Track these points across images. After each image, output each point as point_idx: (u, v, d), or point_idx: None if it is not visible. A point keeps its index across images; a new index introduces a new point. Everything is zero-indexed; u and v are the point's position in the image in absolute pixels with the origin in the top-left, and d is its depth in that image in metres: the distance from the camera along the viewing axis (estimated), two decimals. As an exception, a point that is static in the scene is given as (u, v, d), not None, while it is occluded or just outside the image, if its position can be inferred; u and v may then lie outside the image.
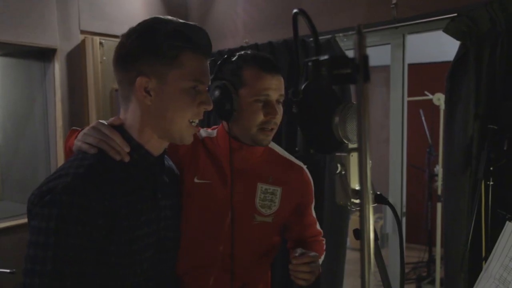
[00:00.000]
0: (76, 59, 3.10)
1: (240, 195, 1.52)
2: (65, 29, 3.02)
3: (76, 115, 3.13)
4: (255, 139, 1.50)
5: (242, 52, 1.52)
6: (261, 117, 1.47)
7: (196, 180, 1.52)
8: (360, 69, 0.62)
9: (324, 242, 1.77)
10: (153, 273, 1.24)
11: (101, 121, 1.23)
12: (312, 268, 1.46)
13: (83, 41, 3.10)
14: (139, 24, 1.18)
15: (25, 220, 2.85)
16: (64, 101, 3.06)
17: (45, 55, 3.03)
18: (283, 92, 1.50)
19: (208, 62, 1.25)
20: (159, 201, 1.26)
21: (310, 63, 0.67)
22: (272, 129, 1.50)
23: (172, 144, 1.44)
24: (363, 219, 0.69)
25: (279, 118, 1.50)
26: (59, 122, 3.03)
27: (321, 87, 1.13)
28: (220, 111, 1.47)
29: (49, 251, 1.00)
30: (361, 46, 0.62)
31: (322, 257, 1.72)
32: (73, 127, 1.35)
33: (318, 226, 1.77)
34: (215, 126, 1.63)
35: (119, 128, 1.20)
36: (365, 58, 0.62)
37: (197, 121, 1.24)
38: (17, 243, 2.82)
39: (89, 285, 1.07)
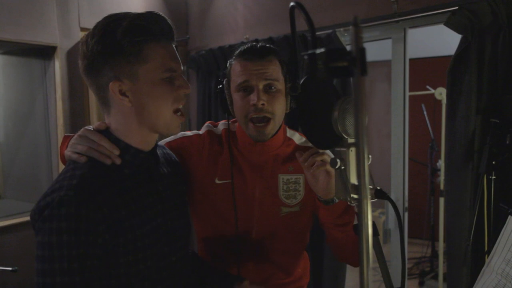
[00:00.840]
0: (77, 57, 3.06)
1: (262, 190, 1.50)
2: (65, 27, 3.01)
3: (76, 113, 3.13)
4: (250, 135, 1.47)
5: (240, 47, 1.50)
6: (245, 107, 1.43)
7: (217, 181, 1.51)
8: (357, 61, 0.61)
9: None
10: (166, 263, 1.24)
11: (87, 127, 1.22)
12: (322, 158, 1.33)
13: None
14: (95, 28, 1.12)
15: (26, 218, 2.86)
16: (65, 99, 3.06)
17: (45, 53, 3.03)
18: (274, 77, 1.42)
19: (174, 45, 1.22)
20: (161, 193, 1.25)
21: (306, 56, 0.66)
22: (265, 119, 1.42)
23: (185, 143, 1.51)
24: (361, 213, 0.69)
25: (268, 104, 1.41)
26: (60, 120, 3.02)
27: (320, 81, 1.12)
28: (223, 109, 1.50)
29: (56, 264, 1.02)
30: (357, 39, 0.61)
31: None
32: (66, 134, 1.35)
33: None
34: (234, 119, 1.58)
35: (106, 132, 1.19)
36: (361, 51, 0.61)
37: (181, 107, 1.21)
38: (19, 241, 2.83)
39: None
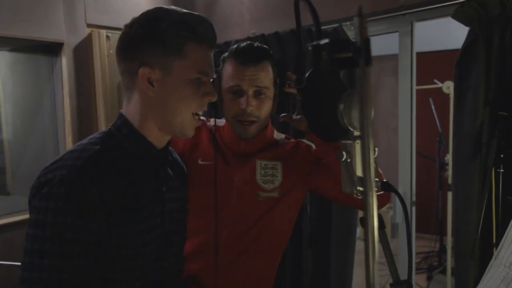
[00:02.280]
0: (83, 53, 3.10)
1: (241, 174, 1.56)
2: (71, 23, 3.02)
3: (84, 109, 3.14)
4: (236, 132, 1.56)
5: (236, 44, 1.53)
6: (234, 109, 1.51)
7: (200, 162, 1.57)
8: (361, 52, 0.61)
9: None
10: (158, 267, 1.21)
11: None
12: None
13: (90, 35, 3.10)
14: (143, 14, 1.15)
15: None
16: (72, 95, 3.07)
17: (52, 49, 3.04)
18: (264, 84, 1.49)
19: (213, 53, 1.24)
20: (164, 194, 1.24)
21: (310, 47, 0.65)
22: (251, 121, 1.51)
23: None
24: (367, 206, 0.68)
25: (256, 109, 1.49)
26: (67, 117, 3.04)
27: (326, 74, 1.12)
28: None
29: (46, 244, 0.99)
30: (362, 29, 0.61)
31: None
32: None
33: None
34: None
35: (125, 122, 1.18)
36: (366, 41, 0.61)
37: (201, 113, 1.22)
38: (28, 236, 2.85)
39: (88, 278, 1.04)
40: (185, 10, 1.15)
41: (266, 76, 1.50)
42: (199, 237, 1.57)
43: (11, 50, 3.22)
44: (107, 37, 3.10)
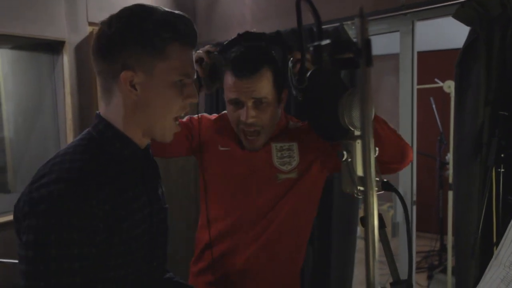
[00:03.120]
0: (85, 51, 3.10)
1: (257, 159, 1.59)
2: (73, 21, 3.02)
3: (85, 107, 3.14)
4: (244, 144, 1.60)
5: (233, 52, 1.51)
6: (236, 119, 1.54)
7: (220, 148, 1.64)
8: (362, 52, 0.61)
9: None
10: (148, 268, 1.20)
11: None
12: None
13: (91, 33, 3.10)
14: (122, 11, 1.10)
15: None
16: (74, 94, 3.08)
17: (53, 47, 3.04)
18: (263, 94, 1.48)
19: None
20: (150, 195, 1.20)
21: (312, 48, 0.66)
22: (255, 131, 1.52)
23: (202, 119, 1.67)
24: (367, 205, 0.69)
25: (257, 119, 1.50)
26: (69, 115, 3.04)
27: (327, 74, 1.12)
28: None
29: (52, 264, 0.94)
30: (363, 30, 0.61)
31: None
32: None
33: None
34: None
35: (107, 124, 1.13)
36: (367, 42, 0.61)
37: (182, 115, 1.20)
38: (30, 234, 2.85)
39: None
40: (165, 9, 1.11)
41: (264, 85, 1.48)
42: (220, 223, 1.62)
43: (13, 48, 3.22)
44: (109, 35, 3.09)
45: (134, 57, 1.06)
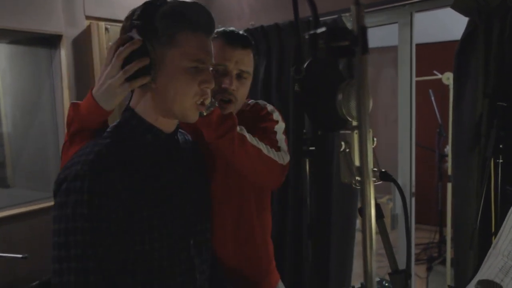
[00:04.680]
0: (82, 46, 3.09)
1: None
2: (70, 15, 3.01)
3: (83, 102, 3.13)
4: None
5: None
6: (215, 87, 1.51)
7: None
8: (358, 40, 0.61)
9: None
10: (182, 246, 1.26)
11: None
12: None
13: (89, 27, 3.09)
14: (139, 6, 1.17)
15: (35, 207, 2.90)
16: (72, 88, 3.07)
17: (51, 42, 3.03)
18: (247, 69, 1.55)
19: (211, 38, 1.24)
20: (181, 175, 1.29)
21: (307, 36, 0.65)
22: (230, 100, 1.52)
23: None
24: (364, 194, 0.69)
25: (236, 90, 1.52)
26: (67, 109, 3.03)
27: (324, 64, 1.12)
28: None
29: (70, 237, 1.05)
30: (359, 17, 0.61)
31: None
32: (72, 101, 1.33)
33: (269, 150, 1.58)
34: None
35: (131, 111, 1.23)
36: (363, 29, 0.61)
37: (207, 101, 1.24)
38: (28, 229, 2.86)
39: (112, 266, 1.11)
40: (179, 0, 1.17)
41: (249, 61, 1.57)
42: None
43: (10, 42, 3.22)
44: (106, 29, 3.08)
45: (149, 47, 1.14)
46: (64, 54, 3.00)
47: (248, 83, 1.58)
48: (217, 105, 1.38)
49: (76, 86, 3.10)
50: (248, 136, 1.45)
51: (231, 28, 1.59)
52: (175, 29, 1.14)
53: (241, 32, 1.60)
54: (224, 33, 1.55)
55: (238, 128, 1.42)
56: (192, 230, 1.30)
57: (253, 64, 1.60)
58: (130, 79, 1.15)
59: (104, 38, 3.09)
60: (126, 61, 1.14)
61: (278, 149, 1.56)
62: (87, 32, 3.09)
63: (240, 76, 1.55)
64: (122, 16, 1.22)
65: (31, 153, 3.33)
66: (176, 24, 1.14)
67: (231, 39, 1.54)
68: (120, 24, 1.23)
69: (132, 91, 1.24)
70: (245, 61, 1.55)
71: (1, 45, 3.18)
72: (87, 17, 3.09)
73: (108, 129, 1.23)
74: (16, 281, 2.79)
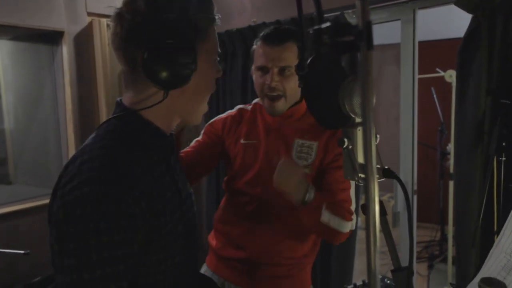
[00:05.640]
0: (84, 42, 3.09)
1: (278, 150, 1.74)
2: (72, 12, 3.00)
3: (85, 98, 3.13)
4: (267, 110, 1.75)
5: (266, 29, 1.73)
6: (261, 84, 1.69)
7: (242, 141, 1.80)
8: (363, 35, 0.60)
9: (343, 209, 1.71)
10: (185, 258, 1.16)
11: None
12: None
13: (90, 24, 3.08)
14: None
15: (37, 203, 2.90)
16: (73, 84, 3.07)
17: (52, 38, 3.02)
18: (287, 63, 1.64)
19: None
20: (178, 183, 1.15)
21: (312, 31, 0.65)
22: (278, 95, 1.66)
23: (227, 119, 1.88)
24: (368, 191, 0.68)
25: (280, 84, 1.65)
26: (69, 106, 3.03)
27: (327, 60, 1.11)
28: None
29: (97, 271, 0.89)
30: (364, 12, 0.60)
31: (326, 214, 1.64)
32: None
33: (345, 195, 1.74)
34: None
35: (133, 113, 1.06)
36: (368, 24, 0.60)
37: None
38: (30, 225, 2.86)
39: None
40: None
41: (289, 55, 1.64)
42: (238, 209, 1.81)
43: (12, 39, 3.21)
44: (108, 25, 3.08)
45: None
46: (65, 50, 3.00)
47: (293, 75, 1.65)
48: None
49: (78, 83, 3.09)
50: (322, 214, 1.59)
51: (270, 28, 1.70)
52: (207, 22, 1.07)
53: (282, 27, 1.71)
54: (263, 35, 1.68)
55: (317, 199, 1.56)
56: (190, 240, 1.20)
57: (295, 56, 1.65)
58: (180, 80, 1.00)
59: (106, 35, 3.09)
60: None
61: (350, 218, 1.71)
62: (89, 29, 3.09)
63: (282, 70, 1.64)
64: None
65: (33, 150, 3.33)
66: (212, 15, 1.09)
67: (265, 38, 1.67)
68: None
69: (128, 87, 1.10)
70: (282, 57, 1.64)
71: (3, 42, 3.17)
72: (89, 14, 3.09)
73: (107, 134, 1.05)
74: (18, 277, 2.80)
